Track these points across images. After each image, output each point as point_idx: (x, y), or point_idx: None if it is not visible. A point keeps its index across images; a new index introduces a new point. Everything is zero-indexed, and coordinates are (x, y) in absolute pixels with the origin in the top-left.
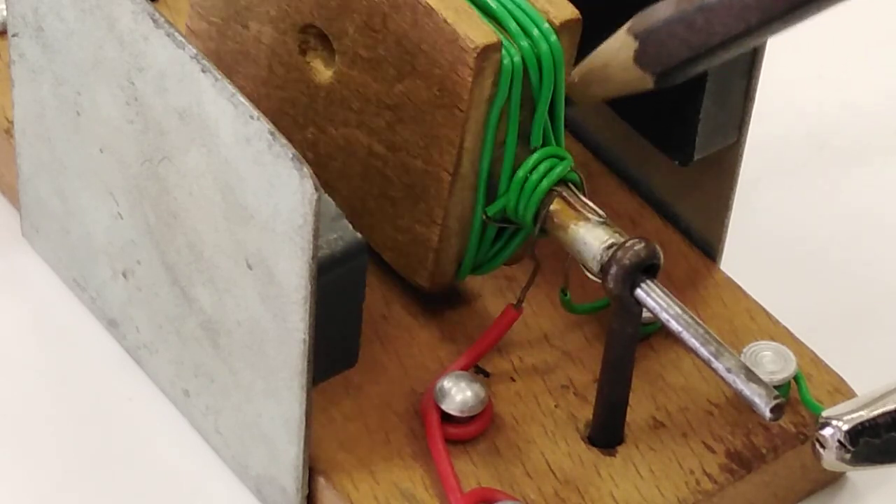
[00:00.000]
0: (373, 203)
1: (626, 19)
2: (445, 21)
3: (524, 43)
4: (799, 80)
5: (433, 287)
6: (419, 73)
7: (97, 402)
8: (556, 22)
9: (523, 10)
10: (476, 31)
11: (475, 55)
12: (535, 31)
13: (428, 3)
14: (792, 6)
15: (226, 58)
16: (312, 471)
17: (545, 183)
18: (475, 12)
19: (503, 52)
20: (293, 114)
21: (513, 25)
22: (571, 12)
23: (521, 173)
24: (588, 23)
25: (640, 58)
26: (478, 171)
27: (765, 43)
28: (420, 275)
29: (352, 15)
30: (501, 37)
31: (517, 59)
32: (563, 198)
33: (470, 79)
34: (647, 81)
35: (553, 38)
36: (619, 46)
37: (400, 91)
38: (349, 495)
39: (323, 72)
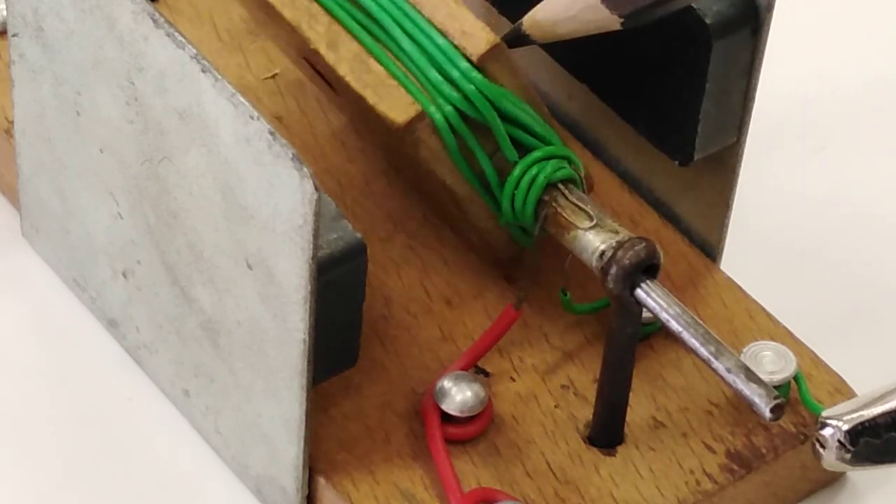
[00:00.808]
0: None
1: None
2: (367, 104)
3: (449, 91)
4: (799, 79)
5: (504, 264)
6: (383, 131)
7: (97, 402)
8: (475, 57)
9: (442, 53)
10: (397, 109)
11: (401, 132)
12: (456, 74)
13: (351, 86)
14: None
15: (287, 53)
16: (312, 471)
17: (534, 191)
18: (392, 82)
19: (431, 109)
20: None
21: (434, 75)
22: (487, 41)
23: (507, 189)
24: None
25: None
26: (478, 192)
27: (765, 43)
28: (486, 258)
29: (323, 64)
30: (426, 94)
31: (448, 108)
32: (557, 202)
33: (411, 148)
34: (613, 23)
35: (474, 74)
36: None
37: (385, 138)
38: (349, 495)
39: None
